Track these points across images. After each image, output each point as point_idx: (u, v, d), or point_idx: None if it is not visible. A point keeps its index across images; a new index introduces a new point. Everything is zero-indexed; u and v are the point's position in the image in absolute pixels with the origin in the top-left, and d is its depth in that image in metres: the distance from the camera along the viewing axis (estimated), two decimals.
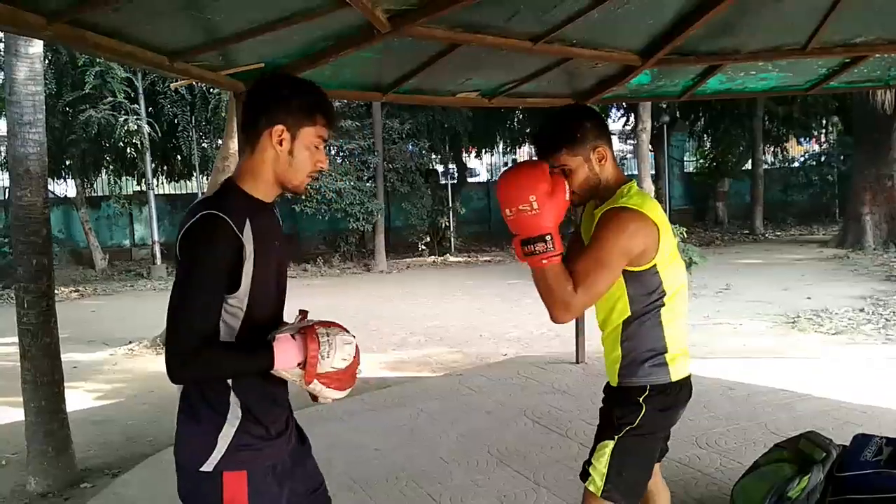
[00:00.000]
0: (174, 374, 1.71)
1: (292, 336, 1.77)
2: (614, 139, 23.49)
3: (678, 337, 2.23)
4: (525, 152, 24.16)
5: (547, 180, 2.07)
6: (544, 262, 2.06)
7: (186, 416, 1.84)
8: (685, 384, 2.26)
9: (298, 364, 1.77)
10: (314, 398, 1.90)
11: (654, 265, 2.13)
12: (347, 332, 1.85)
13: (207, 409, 1.80)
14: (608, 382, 2.36)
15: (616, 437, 2.20)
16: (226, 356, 1.78)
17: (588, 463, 2.26)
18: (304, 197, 13.91)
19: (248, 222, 1.77)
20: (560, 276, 2.07)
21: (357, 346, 1.84)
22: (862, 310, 8.52)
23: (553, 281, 2.07)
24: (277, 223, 1.99)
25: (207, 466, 1.77)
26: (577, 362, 6.10)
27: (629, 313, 2.19)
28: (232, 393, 1.80)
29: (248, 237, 1.76)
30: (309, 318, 1.88)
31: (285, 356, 1.75)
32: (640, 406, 2.18)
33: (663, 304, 2.18)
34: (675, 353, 2.21)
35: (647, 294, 2.16)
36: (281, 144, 1.82)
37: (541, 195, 2.04)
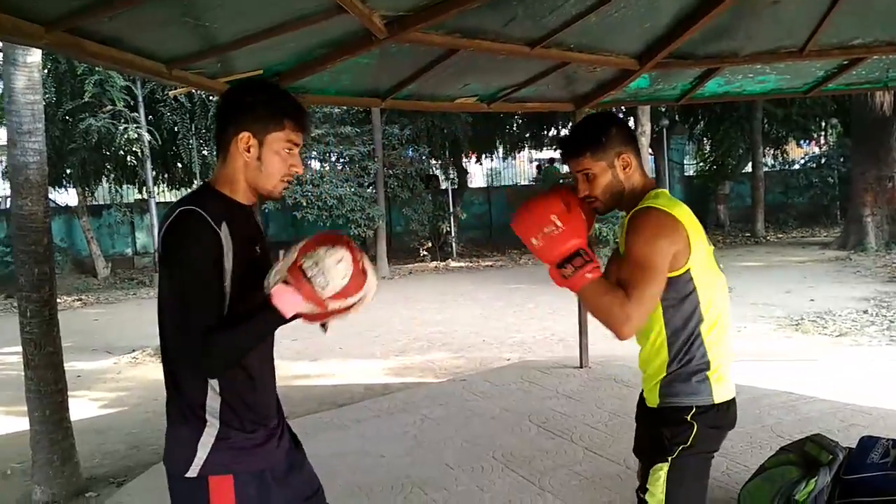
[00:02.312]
0: (201, 369, 1.75)
1: (285, 283, 1.72)
2: None
3: (722, 354, 2.13)
4: (524, 156, 24.20)
5: (560, 199, 2.05)
6: (588, 275, 2.00)
7: (170, 423, 1.87)
8: (732, 403, 2.17)
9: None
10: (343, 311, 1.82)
11: (688, 270, 2.05)
12: (336, 243, 1.75)
13: (188, 416, 1.82)
14: (643, 403, 2.24)
15: (670, 459, 2.08)
16: (234, 335, 1.74)
17: (643, 490, 2.13)
18: (304, 204, 13.93)
19: (223, 223, 1.77)
20: (608, 287, 2.01)
21: (351, 251, 1.75)
22: (865, 311, 8.51)
23: (603, 294, 2.01)
24: (257, 228, 1.99)
25: (192, 472, 1.79)
26: (581, 367, 6.10)
27: (664, 325, 2.10)
28: (208, 400, 1.81)
29: (224, 233, 1.77)
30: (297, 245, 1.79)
31: (287, 304, 1.71)
32: (690, 424, 2.08)
33: (702, 319, 2.08)
34: (718, 370, 2.11)
35: (682, 303, 2.07)
36: (249, 151, 1.83)
37: (560, 213, 2.02)
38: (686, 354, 2.09)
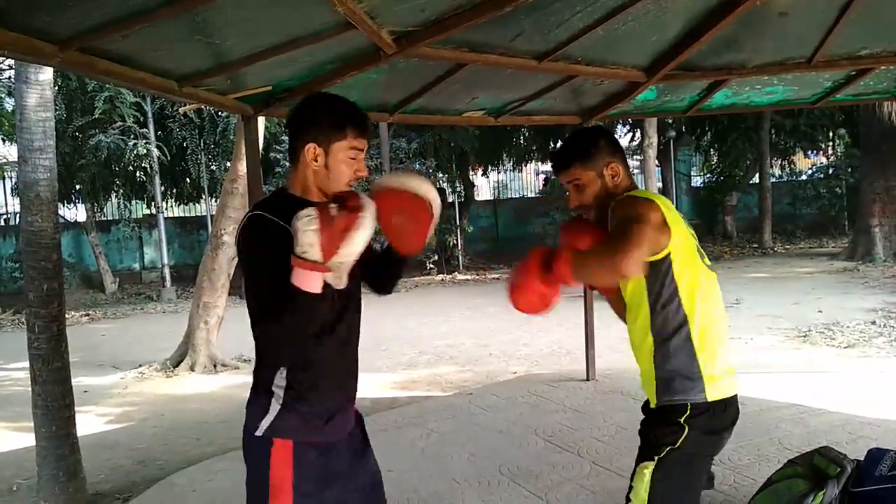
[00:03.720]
0: (285, 322, 1.83)
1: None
2: None
3: (715, 351, 2.13)
4: (531, 169, 24.20)
5: (533, 272, 2.11)
6: (567, 264, 2.05)
7: (253, 386, 2.05)
8: (730, 404, 2.15)
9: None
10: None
11: (668, 254, 2.07)
12: (311, 208, 1.80)
13: (263, 382, 2.01)
14: (647, 402, 2.27)
15: (656, 458, 2.08)
16: (292, 308, 1.81)
17: (629, 488, 2.14)
18: None
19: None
20: (587, 253, 2.11)
21: (323, 210, 1.79)
22: (873, 322, 8.47)
23: (587, 259, 2.09)
24: None
25: (259, 431, 1.99)
26: (588, 379, 6.08)
27: (650, 323, 2.13)
28: (276, 377, 1.99)
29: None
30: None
31: (301, 280, 1.77)
32: (682, 427, 2.08)
33: (688, 315, 2.10)
34: (712, 370, 2.11)
35: (666, 298, 2.10)
36: (316, 161, 1.98)
37: (539, 287, 2.12)
38: (678, 354, 2.11)
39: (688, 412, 2.08)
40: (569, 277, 2.05)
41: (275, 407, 1.99)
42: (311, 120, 1.98)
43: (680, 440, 2.07)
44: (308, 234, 1.75)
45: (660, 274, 2.09)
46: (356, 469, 2.15)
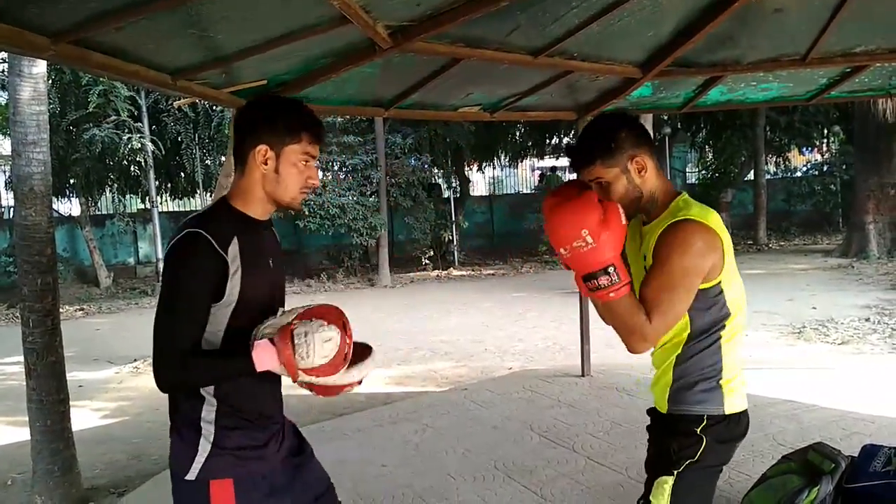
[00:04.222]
0: (162, 383, 1.79)
1: (271, 340, 1.77)
2: None
3: (736, 363, 2.07)
4: (527, 165, 24.21)
5: (597, 209, 1.91)
6: (612, 295, 1.90)
7: (173, 426, 1.92)
8: (745, 415, 2.10)
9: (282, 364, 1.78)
10: (327, 390, 1.89)
11: (720, 282, 2.00)
12: (336, 321, 1.80)
13: (187, 419, 1.87)
14: (655, 408, 2.18)
15: (675, 472, 2.02)
16: (209, 364, 1.81)
17: (646, 500, 2.07)
18: (307, 213, 13.95)
19: (234, 239, 1.82)
20: (631, 306, 1.92)
21: (344, 336, 1.79)
22: (867, 319, 8.50)
23: (624, 312, 1.92)
24: (273, 241, 2.03)
25: (191, 475, 1.84)
26: (583, 375, 6.09)
27: (688, 331, 2.03)
28: (205, 405, 1.86)
29: (233, 253, 1.81)
30: (300, 308, 1.87)
31: (264, 361, 1.76)
32: (700, 438, 2.02)
33: (724, 325, 2.03)
34: (730, 379, 2.05)
35: (709, 312, 2.01)
36: (266, 164, 1.88)
37: (594, 227, 1.87)
38: (700, 360, 2.03)
39: (705, 421, 2.03)
40: (605, 298, 1.92)
41: (204, 445, 1.84)
42: (264, 121, 1.88)
43: (699, 452, 2.01)
44: (320, 349, 1.74)
45: (708, 294, 2.00)
46: (299, 482, 2.04)
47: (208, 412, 1.86)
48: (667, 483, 2.02)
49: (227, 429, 1.86)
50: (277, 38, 3.05)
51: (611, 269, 1.89)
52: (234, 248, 1.81)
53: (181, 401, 1.89)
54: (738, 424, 2.09)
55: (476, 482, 4.04)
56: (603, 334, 7.20)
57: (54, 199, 11.07)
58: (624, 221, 1.95)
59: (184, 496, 1.88)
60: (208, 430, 1.85)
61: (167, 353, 1.77)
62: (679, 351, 2.06)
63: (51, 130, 4.69)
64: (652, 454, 2.17)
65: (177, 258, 1.80)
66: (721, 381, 2.04)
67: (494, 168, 23.64)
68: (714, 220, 2.01)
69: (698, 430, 2.02)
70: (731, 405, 2.06)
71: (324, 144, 1.98)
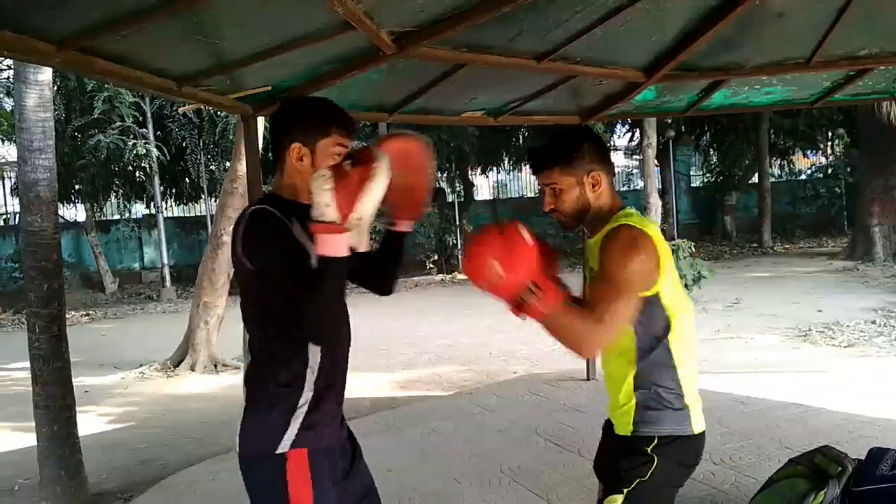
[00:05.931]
0: (312, 319, 1.78)
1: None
2: (619, 155, 23.56)
3: (693, 383, 2.05)
4: (530, 169, 24.16)
5: (497, 237, 1.90)
6: (542, 309, 1.87)
7: (254, 402, 1.93)
8: (702, 437, 2.08)
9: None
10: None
11: (657, 293, 1.98)
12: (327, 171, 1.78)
13: (272, 396, 1.90)
14: (610, 428, 2.15)
15: (625, 491, 1.99)
16: (323, 282, 1.77)
17: None
18: None
19: (293, 220, 1.89)
20: (569, 314, 1.89)
21: (329, 173, 1.76)
22: (873, 322, 8.47)
23: (565, 321, 1.89)
24: None
25: (280, 448, 1.87)
26: (588, 379, 6.08)
27: (635, 350, 2.01)
28: (301, 378, 1.90)
29: (297, 230, 1.89)
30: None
31: (324, 246, 1.75)
32: (651, 458, 1.99)
33: (671, 345, 2.00)
34: (690, 400, 2.04)
35: (651, 323, 1.99)
36: (302, 161, 1.94)
37: (499, 254, 1.87)
38: (656, 382, 2.01)
39: (655, 442, 2.00)
40: (538, 316, 1.90)
41: (297, 419, 1.89)
42: (295, 120, 1.95)
43: (649, 472, 1.99)
44: (323, 194, 1.72)
45: (648, 306, 1.98)
46: (354, 472, 2.08)
47: (304, 385, 1.90)
48: (616, 502, 2.01)
49: (316, 402, 1.91)
50: (282, 44, 3.07)
51: (531, 286, 1.87)
52: (296, 225, 1.89)
53: (268, 376, 1.90)
54: (696, 443, 2.07)
55: (482, 486, 4.04)
56: None
57: (60, 205, 11.10)
58: (529, 240, 1.91)
59: (257, 473, 1.91)
60: (301, 403, 1.89)
61: (300, 303, 1.76)
62: (633, 375, 2.03)
63: (56, 137, 4.71)
64: (605, 466, 2.16)
65: (259, 232, 1.85)
66: (685, 401, 2.03)
67: (498, 172, 23.63)
68: (651, 229, 2.02)
69: (649, 449, 2.00)
70: (699, 425, 2.05)
71: (354, 135, 2.02)
